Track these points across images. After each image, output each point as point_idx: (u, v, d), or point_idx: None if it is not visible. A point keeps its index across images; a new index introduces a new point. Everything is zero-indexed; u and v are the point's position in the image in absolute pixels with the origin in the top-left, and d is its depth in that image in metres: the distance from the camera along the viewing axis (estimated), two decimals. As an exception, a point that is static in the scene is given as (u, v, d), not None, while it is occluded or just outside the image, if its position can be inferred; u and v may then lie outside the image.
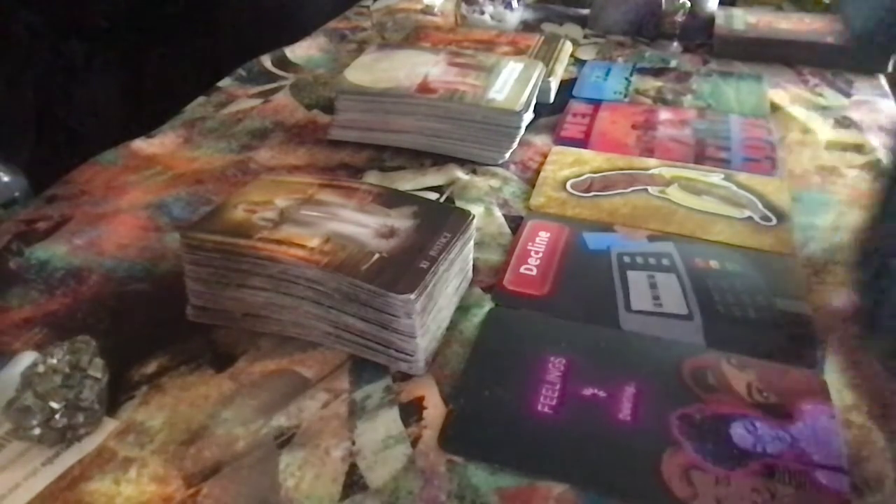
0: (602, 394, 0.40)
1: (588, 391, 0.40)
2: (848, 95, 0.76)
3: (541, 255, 0.51)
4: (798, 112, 0.72)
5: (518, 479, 0.36)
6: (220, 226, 0.44)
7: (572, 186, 0.60)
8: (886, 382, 0.40)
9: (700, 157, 0.64)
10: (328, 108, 0.72)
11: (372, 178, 0.61)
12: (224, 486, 0.35)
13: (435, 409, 0.39)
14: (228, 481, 0.36)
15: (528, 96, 0.65)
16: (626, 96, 0.76)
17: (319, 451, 0.37)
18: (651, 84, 0.79)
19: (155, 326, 0.45)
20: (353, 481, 0.36)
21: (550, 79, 0.74)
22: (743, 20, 0.91)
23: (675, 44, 0.90)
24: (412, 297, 0.38)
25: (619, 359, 0.43)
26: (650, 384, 0.40)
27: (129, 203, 0.58)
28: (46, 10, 0.93)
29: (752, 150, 0.65)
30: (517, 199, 0.59)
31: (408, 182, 0.61)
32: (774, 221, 0.55)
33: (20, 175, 0.74)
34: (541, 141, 0.67)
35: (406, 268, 0.40)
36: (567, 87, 0.78)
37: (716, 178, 0.60)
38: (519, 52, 0.77)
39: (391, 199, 0.47)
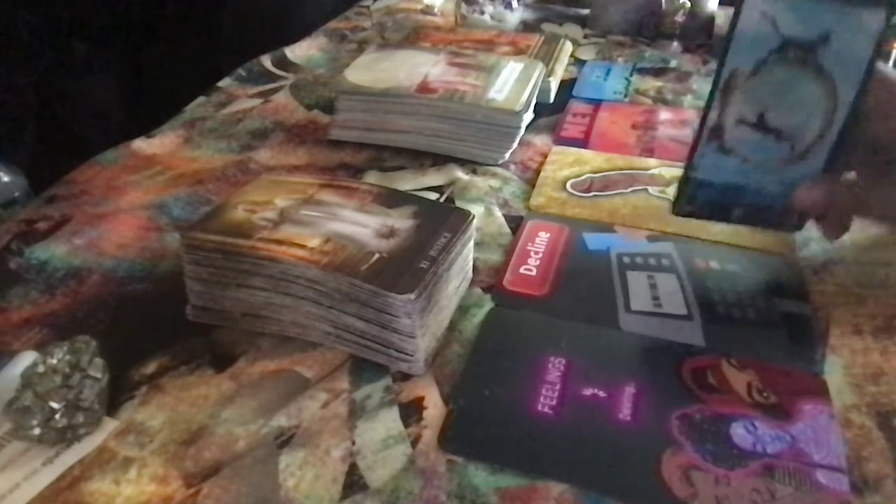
0: (602, 394, 0.40)
1: (588, 391, 0.40)
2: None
3: (541, 255, 0.51)
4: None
5: (518, 479, 0.36)
6: (220, 226, 0.44)
7: (572, 186, 0.60)
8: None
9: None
10: (328, 108, 0.72)
11: (372, 178, 0.61)
12: (224, 486, 0.35)
13: (435, 409, 0.39)
14: (228, 481, 0.36)
15: (528, 96, 0.65)
16: (626, 96, 0.76)
17: (319, 451, 0.37)
18: (651, 84, 0.79)
19: (155, 326, 0.45)
20: (353, 481, 0.36)
21: (550, 79, 0.74)
22: (743, 20, 0.91)
23: (675, 44, 0.90)
24: (412, 297, 0.38)
25: (619, 359, 0.43)
26: (650, 384, 0.40)
27: (129, 203, 0.58)
28: (46, 10, 0.93)
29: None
30: (517, 199, 0.59)
31: (408, 182, 0.61)
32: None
33: (20, 175, 0.75)
34: (541, 141, 0.67)
35: (406, 268, 0.40)
36: (567, 87, 0.78)
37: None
38: (519, 52, 0.77)
39: (391, 199, 0.47)
